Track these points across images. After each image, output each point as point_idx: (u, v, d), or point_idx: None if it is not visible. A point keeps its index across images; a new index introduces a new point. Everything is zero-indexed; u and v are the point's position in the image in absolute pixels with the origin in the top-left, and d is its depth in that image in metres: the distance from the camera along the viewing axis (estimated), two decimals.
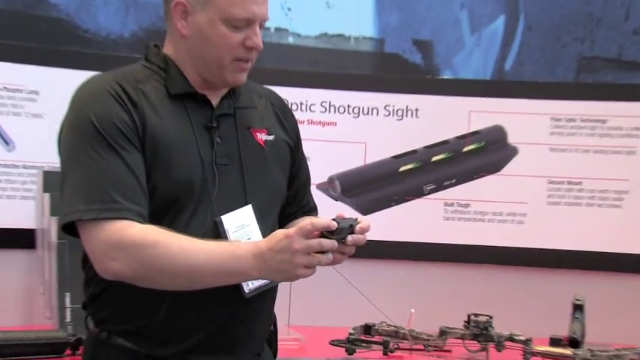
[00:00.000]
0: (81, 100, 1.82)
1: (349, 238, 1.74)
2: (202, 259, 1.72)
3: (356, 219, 1.77)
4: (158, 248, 1.72)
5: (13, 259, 3.01)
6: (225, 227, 1.82)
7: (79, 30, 3.28)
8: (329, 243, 1.69)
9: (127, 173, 1.76)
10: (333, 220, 1.73)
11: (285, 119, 2.02)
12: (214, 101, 1.89)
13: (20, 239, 2.99)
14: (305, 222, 1.71)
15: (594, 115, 3.29)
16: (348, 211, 3.08)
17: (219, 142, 1.85)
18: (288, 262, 1.68)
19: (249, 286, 1.83)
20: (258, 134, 1.94)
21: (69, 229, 1.79)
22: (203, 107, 1.88)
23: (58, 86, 2.70)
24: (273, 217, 1.95)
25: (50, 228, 2.87)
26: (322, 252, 1.69)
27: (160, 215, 1.78)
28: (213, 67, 1.86)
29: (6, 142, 3.00)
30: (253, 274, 1.73)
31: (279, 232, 1.72)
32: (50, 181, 2.87)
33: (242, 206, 1.86)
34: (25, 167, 3.03)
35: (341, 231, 1.71)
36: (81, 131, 1.78)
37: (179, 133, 1.83)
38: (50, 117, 2.89)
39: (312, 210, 2.09)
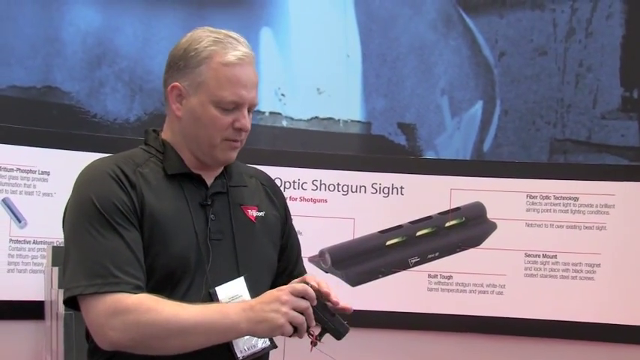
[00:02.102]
0: (83, 182, 1.88)
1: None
2: (194, 320, 1.75)
3: (334, 314, 1.84)
4: (151, 314, 1.75)
5: (23, 330, 3.03)
6: (220, 298, 1.86)
7: (88, 115, 3.33)
8: (312, 312, 1.77)
9: (125, 249, 1.79)
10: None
11: (274, 196, 2.08)
12: (208, 181, 1.94)
13: (30, 311, 2.99)
14: (299, 284, 1.77)
15: (567, 193, 3.33)
16: (338, 283, 3.19)
17: (213, 219, 1.90)
18: (275, 311, 1.74)
19: (242, 353, 1.87)
20: (249, 211, 1.99)
21: (70, 302, 1.82)
22: (198, 186, 1.92)
23: (68, 167, 2.54)
24: (265, 289, 1.92)
25: (58, 300, 2.87)
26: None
27: (159, 288, 1.82)
28: (205, 147, 1.90)
29: (18, 220, 3.02)
30: (242, 327, 1.76)
31: (271, 290, 1.79)
32: (58, 255, 2.84)
33: (235, 278, 1.90)
34: (35, 242, 3.04)
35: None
36: (83, 211, 1.82)
37: (175, 210, 1.87)
38: (60, 195, 2.73)
39: None
